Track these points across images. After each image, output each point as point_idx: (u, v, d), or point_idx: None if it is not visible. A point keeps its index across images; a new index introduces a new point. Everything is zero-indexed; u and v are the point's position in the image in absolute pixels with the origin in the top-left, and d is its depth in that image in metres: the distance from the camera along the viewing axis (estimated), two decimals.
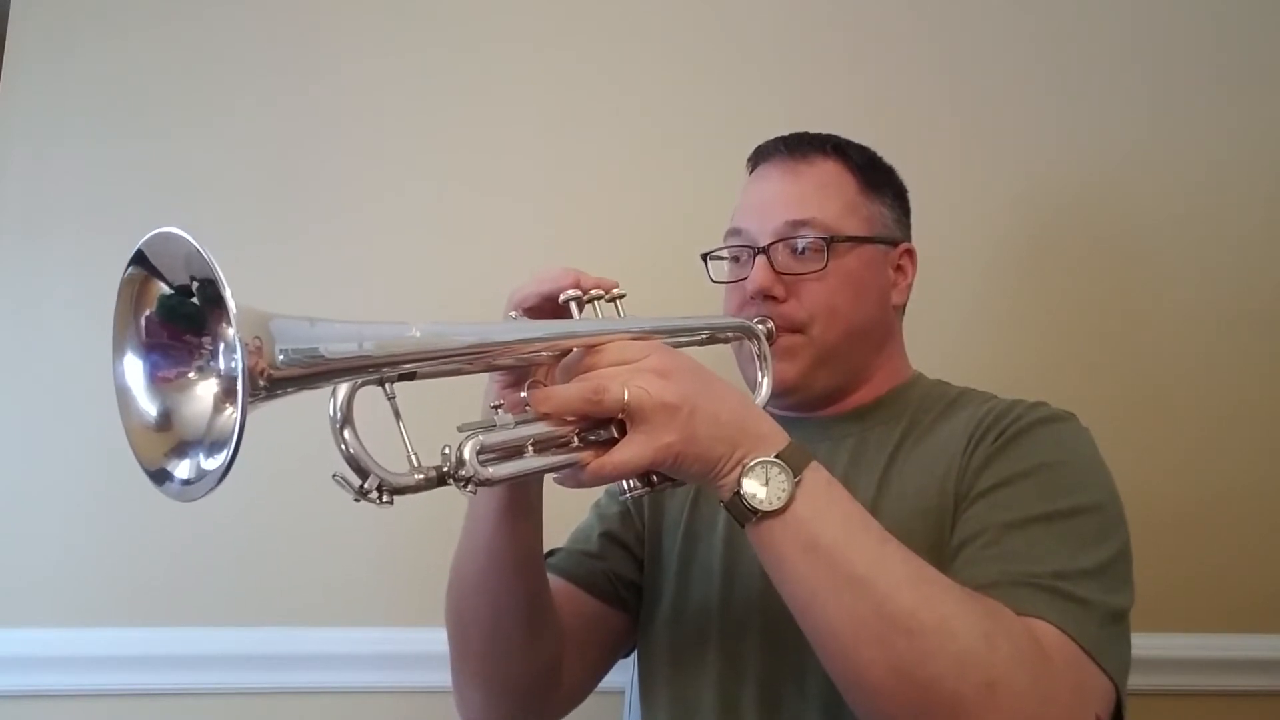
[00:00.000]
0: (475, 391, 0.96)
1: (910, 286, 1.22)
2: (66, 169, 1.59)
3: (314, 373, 0.66)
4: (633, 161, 1.68)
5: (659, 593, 1.18)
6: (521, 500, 0.97)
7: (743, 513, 0.82)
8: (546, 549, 1.12)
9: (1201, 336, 1.68)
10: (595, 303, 0.93)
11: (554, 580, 1.11)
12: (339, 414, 0.70)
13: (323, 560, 1.54)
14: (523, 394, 0.84)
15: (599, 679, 1.19)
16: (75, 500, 1.52)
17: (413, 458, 0.73)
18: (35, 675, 1.48)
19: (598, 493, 1.30)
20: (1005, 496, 0.94)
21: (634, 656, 1.21)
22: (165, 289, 0.64)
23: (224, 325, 0.61)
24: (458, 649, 1.07)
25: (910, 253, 1.22)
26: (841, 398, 1.17)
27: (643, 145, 1.68)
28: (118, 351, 0.66)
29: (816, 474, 0.84)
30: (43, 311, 1.54)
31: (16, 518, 1.51)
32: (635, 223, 1.65)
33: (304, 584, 1.54)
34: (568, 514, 1.25)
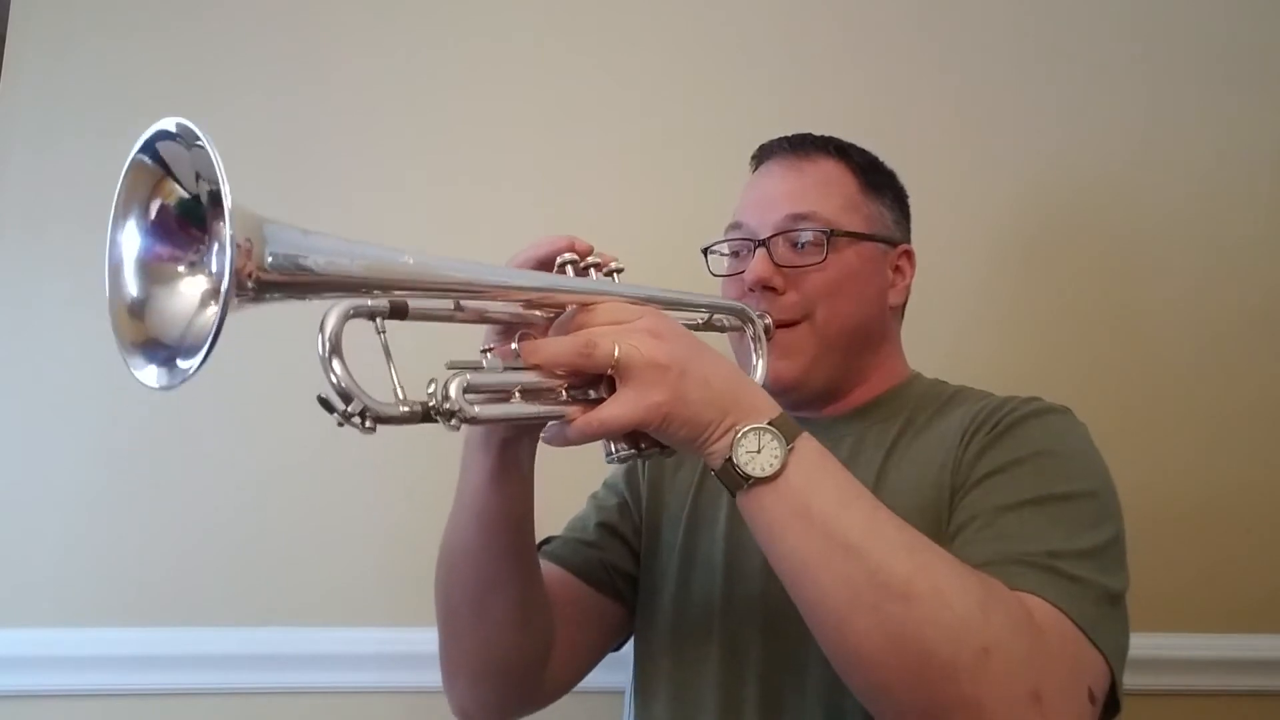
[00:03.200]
0: (467, 348, 0.95)
1: (908, 288, 1.23)
2: (66, 168, 1.59)
3: (301, 282, 0.66)
4: (633, 157, 1.68)
5: (658, 587, 1.18)
6: (513, 464, 0.95)
7: (734, 480, 0.81)
8: (543, 538, 1.12)
9: (1201, 336, 1.68)
10: (592, 271, 0.92)
11: (548, 567, 1.11)
12: (327, 344, 0.69)
13: (323, 560, 1.55)
14: (514, 345, 0.83)
15: (588, 669, 1.18)
16: (75, 500, 1.52)
17: (399, 390, 0.72)
18: (35, 675, 1.48)
19: (595, 483, 1.30)
20: (1000, 482, 0.94)
21: (633, 652, 1.21)
22: (172, 185, 0.65)
23: (219, 223, 0.61)
24: (445, 627, 1.06)
25: (909, 254, 1.23)
26: (839, 397, 1.17)
27: (643, 141, 1.69)
28: (117, 225, 0.66)
29: (808, 443, 0.84)
30: (43, 310, 1.55)
31: (16, 518, 1.51)
32: (635, 218, 1.66)
33: (304, 584, 1.54)
34: (565, 506, 1.26)
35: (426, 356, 0.80)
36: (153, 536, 1.52)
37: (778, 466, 0.81)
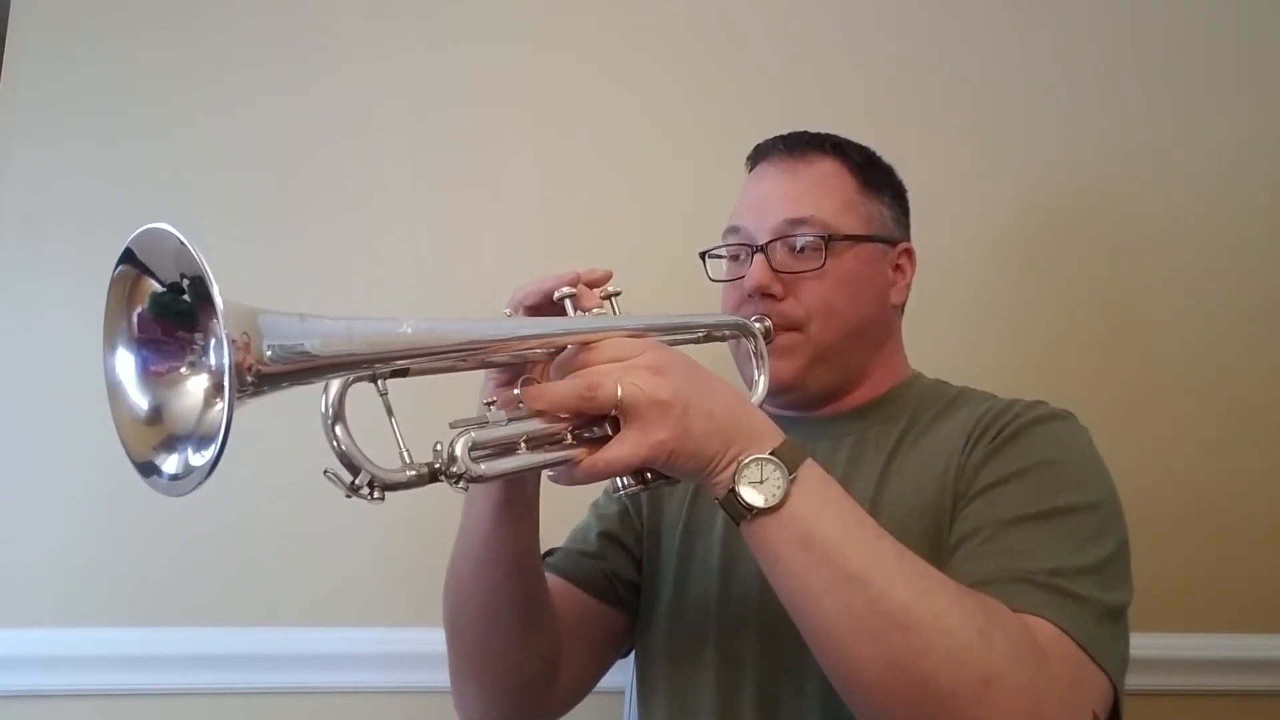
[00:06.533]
0: (469, 389, 0.95)
1: (909, 286, 1.22)
2: (66, 169, 1.59)
3: (303, 369, 0.66)
4: (632, 160, 1.68)
5: (657, 592, 1.18)
6: (518, 498, 0.96)
7: (738, 510, 0.82)
8: (545, 549, 1.12)
9: (1201, 336, 1.68)
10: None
11: (552, 579, 1.11)
12: (330, 410, 0.70)
13: (323, 560, 1.55)
14: (516, 391, 0.84)
15: (597, 679, 1.19)
16: (75, 500, 1.52)
17: (405, 454, 0.73)
18: (35, 675, 1.48)
19: (596, 492, 1.30)
20: (1003, 494, 0.94)
21: (633, 656, 1.21)
22: (156, 286, 0.64)
23: (213, 321, 0.60)
24: (455, 648, 1.07)
25: (909, 252, 1.22)
26: (840, 397, 1.17)
27: (642, 144, 1.69)
28: (109, 347, 0.66)
29: (811, 471, 0.84)
30: (43, 311, 1.55)
31: (16, 517, 1.51)
32: (634, 221, 1.65)
33: (304, 584, 1.54)
34: (566, 515, 1.26)
35: (428, 406, 0.81)
36: (153, 536, 1.52)
37: (780, 497, 0.81)
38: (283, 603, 1.53)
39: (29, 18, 1.63)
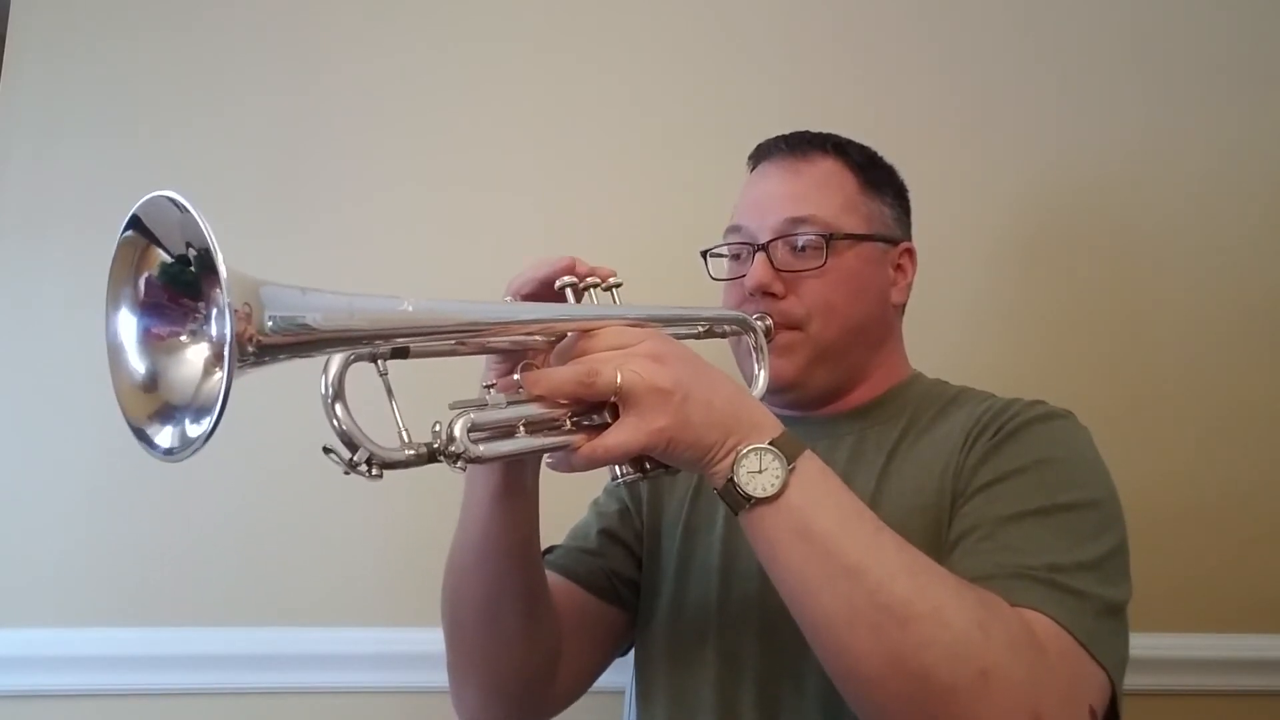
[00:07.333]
0: (469, 375, 0.95)
1: (910, 285, 1.22)
2: (66, 169, 1.59)
3: (303, 341, 0.66)
4: (633, 159, 1.68)
5: (657, 591, 1.18)
6: (518, 486, 0.96)
7: (736, 500, 0.82)
8: (545, 547, 1.12)
9: (1201, 336, 1.68)
10: (591, 290, 0.93)
11: (552, 577, 1.11)
12: (330, 389, 0.70)
13: (323, 560, 1.54)
14: (516, 376, 0.84)
15: (595, 677, 1.19)
16: (75, 500, 1.52)
17: (404, 434, 0.73)
18: (35, 675, 1.48)
19: (596, 490, 1.30)
20: (1002, 491, 0.94)
21: (633, 655, 1.21)
22: (162, 254, 0.64)
23: (216, 290, 0.61)
24: (453, 642, 1.06)
25: (910, 252, 1.22)
26: (840, 396, 1.17)
27: (643, 143, 1.69)
28: (112, 309, 0.66)
29: (810, 462, 0.84)
30: (42, 311, 1.55)
31: (16, 517, 1.51)
32: (635, 220, 1.65)
33: (304, 584, 1.54)
34: (566, 513, 1.26)
35: (429, 389, 0.81)
36: (153, 536, 1.52)
37: (779, 486, 0.81)
38: (283, 603, 1.53)
39: (29, 18, 1.63)
